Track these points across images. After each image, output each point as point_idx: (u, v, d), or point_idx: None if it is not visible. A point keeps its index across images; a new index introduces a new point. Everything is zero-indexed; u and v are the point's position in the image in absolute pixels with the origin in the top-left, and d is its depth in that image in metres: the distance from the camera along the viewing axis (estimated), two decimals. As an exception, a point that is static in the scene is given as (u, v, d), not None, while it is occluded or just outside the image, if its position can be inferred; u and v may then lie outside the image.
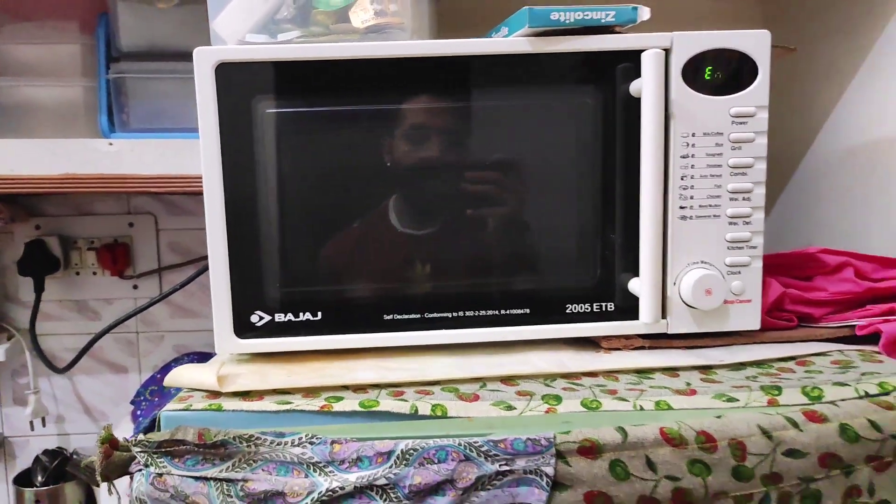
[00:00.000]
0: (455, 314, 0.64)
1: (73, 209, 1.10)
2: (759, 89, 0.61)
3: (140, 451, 0.47)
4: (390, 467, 0.46)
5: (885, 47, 0.80)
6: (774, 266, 0.74)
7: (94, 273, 1.10)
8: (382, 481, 0.46)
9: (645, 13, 0.60)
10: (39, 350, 1.07)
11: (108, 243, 1.09)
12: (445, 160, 0.62)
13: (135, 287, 1.11)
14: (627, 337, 0.65)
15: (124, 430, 1.01)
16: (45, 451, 1.08)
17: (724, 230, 0.63)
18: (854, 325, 0.65)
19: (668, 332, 0.64)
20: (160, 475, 0.47)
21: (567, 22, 0.59)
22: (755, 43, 0.61)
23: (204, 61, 0.59)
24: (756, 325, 0.64)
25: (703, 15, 1.07)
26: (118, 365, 1.12)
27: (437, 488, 0.46)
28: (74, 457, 1.09)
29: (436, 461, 0.46)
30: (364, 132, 0.61)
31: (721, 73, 0.61)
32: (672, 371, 0.60)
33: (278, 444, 0.47)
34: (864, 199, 0.83)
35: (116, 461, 0.48)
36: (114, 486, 0.50)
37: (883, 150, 0.80)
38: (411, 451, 0.47)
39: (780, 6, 1.03)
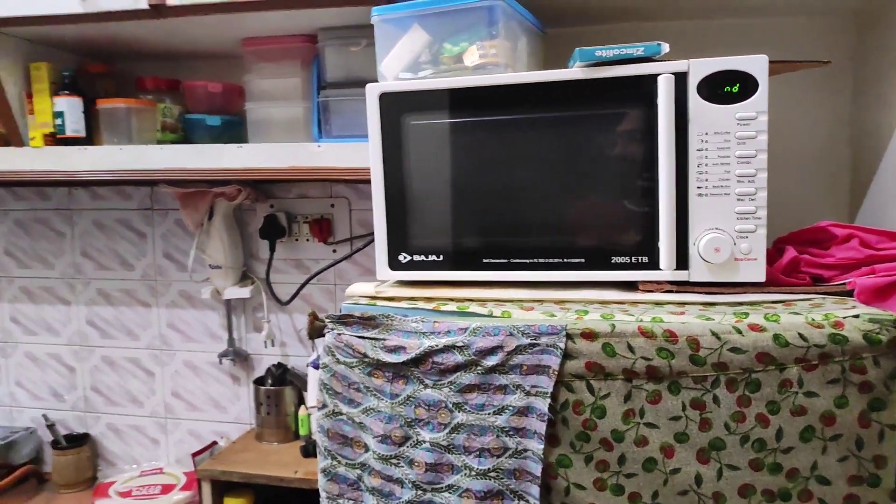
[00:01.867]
0: (532, 261, 0.92)
1: (295, 194, 1.54)
2: (759, 98, 0.82)
3: (329, 321, 0.83)
4: (465, 336, 0.77)
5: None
6: (798, 238, 0.92)
7: (308, 240, 1.53)
8: (461, 343, 0.77)
9: (665, 47, 0.84)
10: (272, 291, 1.52)
11: (316, 218, 1.52)
12: (530, 154, 0.90)
13: (334, 251, 1.52)
14: (659, 282, 0.89)
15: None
16: (273, 365, 1.54)
17: (734, 205, 0.84)
18: (845, 283, 0.82)
19: (690, 280, 0.87)
20: (339, 334, 0.82)
21: (608, 56, 0.85)
22: (755, 64, 0.82)
23: (372, 92, 0.94)
24: (761, 278, 0.85)
25: (798, 30, 1.23)
26: (320, 306, 1.55)
27: (492, 350, 0.76)
28: (291, 369, 1.53)
29: (492, 334, 0.76)
30: (473, 134, 0.92)
31: (728, 87, 0.83)
32: (681, 304, 0.83)
33: (402, 320, 0.80)
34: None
35: (317, 326, 0.84)
36: (315, 344, 0.86)
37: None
38: (478, 328, 0.77)
39: (872, 20, 1.16)
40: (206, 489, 1.40)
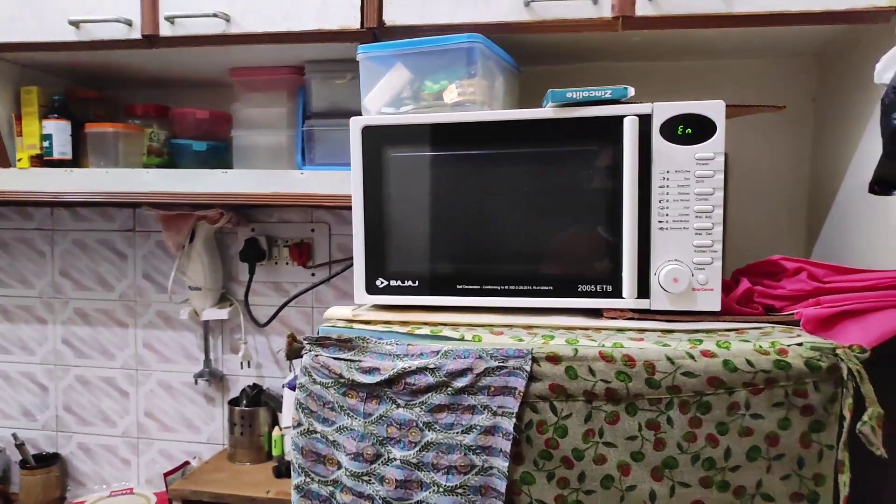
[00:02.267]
0: (503, 287, 0.96)
1: (276, 218, 1.58)
2: (717, 140, 0.89)
3: (307, 343, 0.87)
4: (437, 359, 0.81)
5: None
6: (753, 271, 0.98)
7: (287, 263, 1.57)
8: (432, 365, 0.81)
9: (631, 91, 0.90)
10: (250, 314, 1.55)
11: (296, 242, 1.55)
12: (504, 186, 0.95)
13: (312, 274, 1.56)
14: (622, 310, 0.94)
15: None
16: (248, 386, 1.56)
17: (692, 238, 0.90)
18: (793, 314, 0.88)
19: (651, 309, 0.92)
20: (317, 355, 0.86)
21: (578, 98, 0.91)
22: (713, 109, 0.89)
23: (355, 125, 0.99)
24: (716, 308, 0.90)
25: (762, 71, 1.31)
26: (298, 328, 1.57)
27: (462, 372, 0.80)
28: (266, 390, 1.55)
29: (462, 357, 0.80)
30: (451, 167, 0.97)
31: (689, 129, 0.89)
32: (640, 331, 0.88)
33: (378, 343, 0.84)
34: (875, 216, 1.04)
35: (295, 348, 0.87)
36: (292, 364, 0.89)
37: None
38: (449, 351, 0.81)
39: (831, 62, 1.25)
40: (178, 510, 1.40)
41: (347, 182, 1.06)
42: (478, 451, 0.80)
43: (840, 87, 1.21)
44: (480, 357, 0.80)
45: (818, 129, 1.30)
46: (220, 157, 1.46)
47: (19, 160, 1.38)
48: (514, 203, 0.96)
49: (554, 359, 0.79)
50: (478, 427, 0.80)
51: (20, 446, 1.67)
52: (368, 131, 0.99)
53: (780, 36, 1.17)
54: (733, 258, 1.14)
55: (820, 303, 0.86)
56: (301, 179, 1.25)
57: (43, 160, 1.36)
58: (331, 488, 0.86)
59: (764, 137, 1.33)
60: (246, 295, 1.56)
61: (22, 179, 1.33)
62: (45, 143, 1.36)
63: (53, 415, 1.74)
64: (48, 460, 1.68)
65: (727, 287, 0.97)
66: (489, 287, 0.97)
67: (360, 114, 1.04)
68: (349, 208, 1.02)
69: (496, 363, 0.80)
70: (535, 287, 0.96)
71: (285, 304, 1.48)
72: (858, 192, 1.11)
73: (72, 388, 1.72)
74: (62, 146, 1.36)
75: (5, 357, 1.75)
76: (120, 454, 1.70)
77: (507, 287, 0.97)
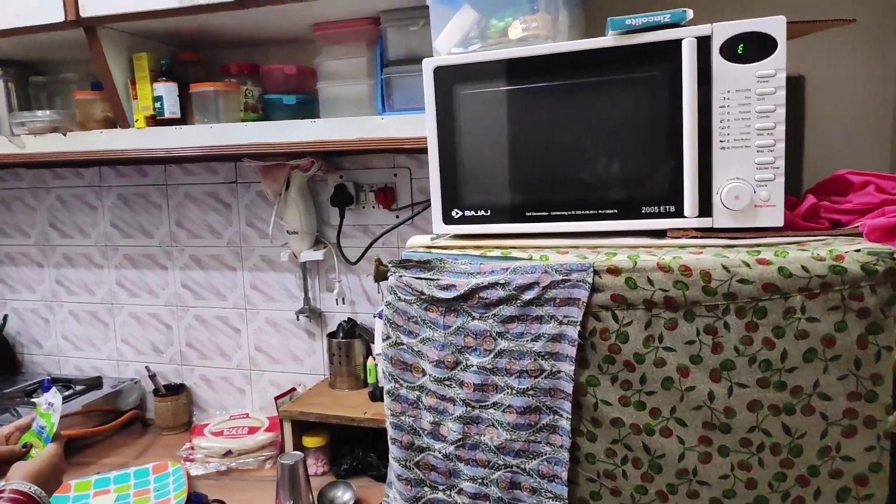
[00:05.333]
0: (570, 213, 1.02)
1: (361, 165, 1.69)
2: (778, 57, 0.90)
3: (391, 266, 0.97)
4: (507, 275, 0.89)
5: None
6: (819, 189, 0.99)
7: (373, 207, 1.68)
8: (502, 280, 0.89)
9: (689, 13, 0.92)
10: (342, 254, 1.69)
11: (381, 187, 1.66)
12: (569, 116, 1.00)
13: (396, 216, 1.66)
14: (685, 229, 0.98)
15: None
16: (344, 320, 1.70)
17: (754, 156, 0.92)
18: (857, 226, 0.89)
19: (714, 227, 0.96)
20: (400, 276, 0.96)
21: (637, 24, 0.94)
22: (774, 25, 0.89)
23: (428, 66, 1.06)
24: (779, 223, 0.92)
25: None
26: (385, 268, 1.69)
27: (529, 286, 0.88)
28: (359, 324, 1.69)
29: (529, 272, 0.88)
30: (518, 100, 1.03)
31: (749, 48, 0.91)
32: (701, 247, 0.92)
33: (453, 263, 0.93)
34: None
35: (381, 270, 0.98)
36: (380, 287, 0.99)
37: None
38: (518, 268, 0.89)
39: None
40: (287, 428, 1.58)
41: (424, 125, 1.13)
42: (546, 356, 0.88)
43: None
44: (546, 272, 0.88)
45: (905, 44, 1.25)
46: (308, 108, 1.58)
47: (136, 121, 1.55)
48: (579, 131, 1.01)
49: (614, 271, 0.85)
50: (545, 335, 0.88)
51: (152, 377, 1.90)
52: (440, 71, 1.06)
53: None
54: (814, 180, 1.13)
55: (885, 213, 0.87)
56: (382, 124, 1.35)
57: (156, 119, 1.53)
58: (417, 392, 0.97)
59: (842, 57, 1.29)
60: (338, 237, 1.69)
61: (140, 138, 1.51)
62: (157, 104, 1.52)
63: (178, 350, 1.96)
64: (176, 389, 1.91)
65: (793, 204, 0.99)
66: (556, 213, 1.03)
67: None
68: (426, 151, 1.10)
69: (560, 276, 0.87)
70: (600, 211, 1.01)
71: (372, 243, 1.60)
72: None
73: (191, 327, 1.94)
74: (172, 106, 1.52)
75: (135, 300, 1.99)
76: (235, 384, 1.91)
77: (573, 212, 1.02)
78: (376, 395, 1.56)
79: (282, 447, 1.62)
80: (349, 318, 1.71)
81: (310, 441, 1.57)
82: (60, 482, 1.09)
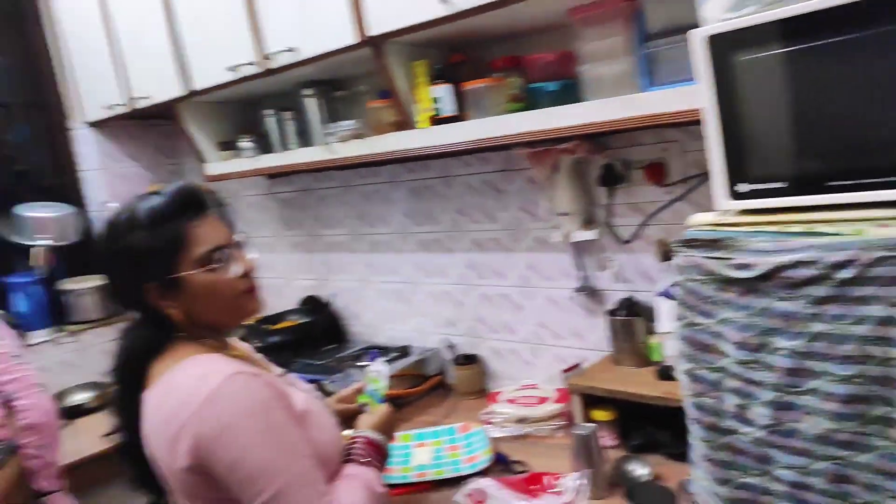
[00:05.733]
0: (882, 180, 0.89)
1: (627, 143, 1.67)
2: None
3: (677, 245, 0.97)
4: (813, 252, 0.83)
5: None
6: None
7: (642, 184, 1.66)
8: (808, 258, 0.83)
9: None
10: (614, 233, 1.70)
11: (649, 163, 1.63)
12: (865, 73, 0.87)
13: (667, 193, 1.62)
14: None
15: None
16: (623, 298, 1.72)
17: None
18: None
19: None
20: (688, 255, 0.95)
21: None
22: None
23: (700, 35, 1.01)
24: None
25: None
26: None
27: (843, 264, 0.81)
28: (637, 302, 1.69)
29: (842, 248, 0.81)
30: (807, 60, 0.93)
31: None
32: None
33: (746, 241, 0.90)
34: None
35: (665, 250, 0.98)
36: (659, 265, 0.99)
37: None
38: (827, 244, 0.82)
39: None
40: (576, 401, 1.66)
41: (692, 97, 1.09)
42: (875, 341, 0.80)
43: None
44: (863, 248, 0.80)
45: None
46: (570, 93, 1.60)
47: (419, 122, 1.73)
48: (883, 87, 0.88)
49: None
50: (871, 318, 0.80)
51: (451, 347, 2.13)
52: (715, 39, 1.01)
53: None
54: None
55: None
56: (647, 101, 1.32)
57: (436, 119, 1.69)
58: (718, 374, 0.96)
59: None
60: (608, 216, 1.70)
61: (424, 137, 1.69)
62: (436, 105, 1.68)
63: (469, 324, 2.17)
64: (471, 359, 2.11)
65: None
66: (864, 182, 0.92)
67: (695, 26, 1.06)
68: (697, 123, 1.05)
69: (884, 253, 0.78)
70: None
71: (647, 220, 1.58)
72: None
73: (479, 304, 2.12)
74: (449, 105, 1.67)
75: (430, 280, 2.24)
76: (522, 357, 2.05)
77: (885, 179, 0.90)
78: (665, 374, 1.55)
79: (571, 418, 1.70)
80: (628, 297, 1.71)
81: (598, 414, 1.63)
82: (393, 435, 1.31)
